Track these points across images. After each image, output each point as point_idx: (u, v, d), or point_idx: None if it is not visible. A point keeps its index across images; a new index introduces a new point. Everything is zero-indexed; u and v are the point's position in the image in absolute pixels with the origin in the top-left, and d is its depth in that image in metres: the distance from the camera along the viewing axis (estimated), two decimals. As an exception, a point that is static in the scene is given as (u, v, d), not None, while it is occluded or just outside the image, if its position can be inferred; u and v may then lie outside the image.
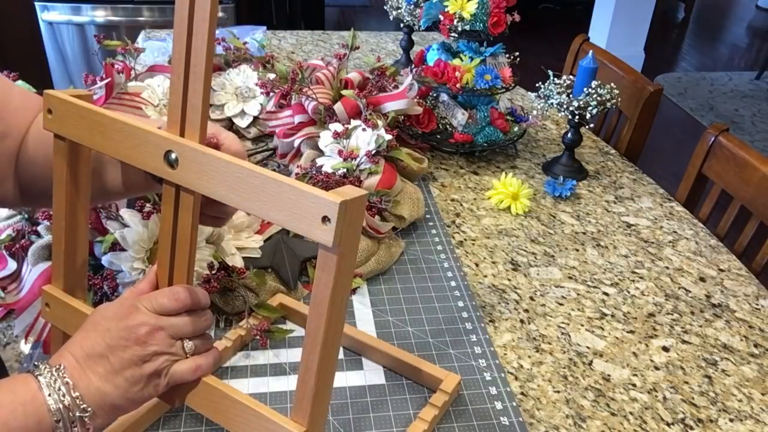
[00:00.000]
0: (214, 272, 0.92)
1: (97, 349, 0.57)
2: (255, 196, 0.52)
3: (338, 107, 1.26)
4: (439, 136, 1.46)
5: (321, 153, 1.20)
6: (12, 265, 0.96)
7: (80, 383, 0.56)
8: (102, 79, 1.22)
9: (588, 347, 0.97)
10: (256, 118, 1.43)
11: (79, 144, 0.62)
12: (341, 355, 0.92)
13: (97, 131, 0.59)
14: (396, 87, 1.34)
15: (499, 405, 0.85)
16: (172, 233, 0.60)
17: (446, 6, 1.39)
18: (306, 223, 0.50)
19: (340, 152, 1.16)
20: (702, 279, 1.14)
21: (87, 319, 0.61)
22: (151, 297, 0.60)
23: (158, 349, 0.58)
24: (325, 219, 0.49)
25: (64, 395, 0.55)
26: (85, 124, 0.60)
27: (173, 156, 0.56)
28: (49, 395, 0.54)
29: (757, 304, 1.08)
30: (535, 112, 1.45)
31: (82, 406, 0.55)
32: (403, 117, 1.37)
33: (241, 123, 1.43)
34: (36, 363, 0.57)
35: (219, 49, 1.51)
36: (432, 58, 1.48)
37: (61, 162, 0.63)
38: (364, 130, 1.19)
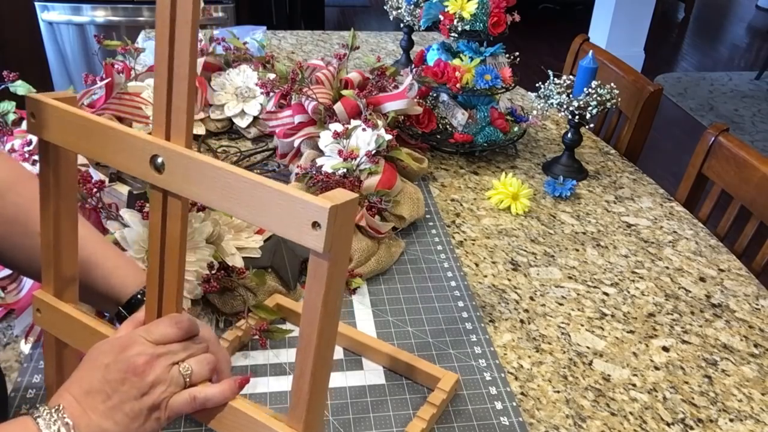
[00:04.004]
0: (213, 272, 0.92)
1: (96, 385, 0.56)
2: (244, 202, 0.51)
3: (338, 107, 1.26)
4: (439, 136, 1.46)
5: (321, 153, 1.20)
6: (12, 265, 0.96)
7: (80, 423, 0.55)
8: (102, 79, 1.22)
9: (588, 347, 0.97)
10: (256, 118, 1.43)
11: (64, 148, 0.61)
12: (341, 355, 0.92)
13: (82, 135, 0.58)
14: (396, 87, 1.34)
15: (499, 405, 0.85)
16: (161, 240, 0.58)
17: (446, 6, 1.39)
18: (296, 229, 0.49)
19: (340, 152, 1.16)
20: (702, 279, 1.14)
21: (84, 357, 0.60)
22: (150, 327, 0.59)
23: (156, 379, 0.57)
24: (315, 224, 0.48)
25: None
26: (69, 128, 0.58)
27: (159, 160, 0.54)
28: None
29: (757, 304, 1.08)
30: (535, 112, 1.45)
31: None
32: (403, 117, 1.37)
33: (241, 123, 1.43)
34: (37, 405, 0.56)
35: (219, 49, 1.51)
36: (432, 58, 1.48)
37: (45, 166, 0.62)
38: (364, 130, 1.19)
